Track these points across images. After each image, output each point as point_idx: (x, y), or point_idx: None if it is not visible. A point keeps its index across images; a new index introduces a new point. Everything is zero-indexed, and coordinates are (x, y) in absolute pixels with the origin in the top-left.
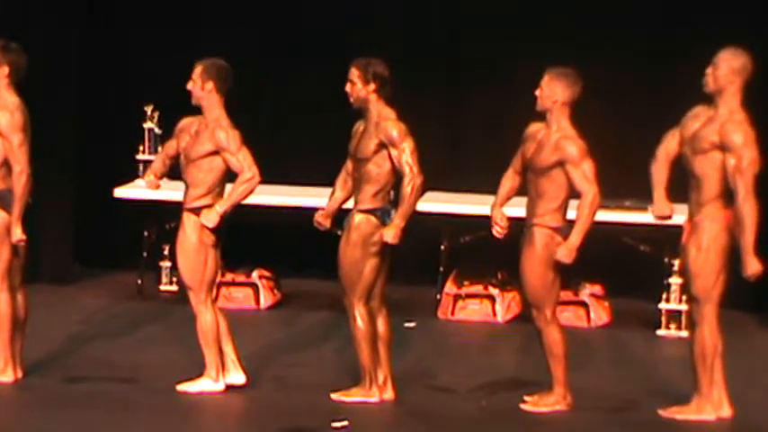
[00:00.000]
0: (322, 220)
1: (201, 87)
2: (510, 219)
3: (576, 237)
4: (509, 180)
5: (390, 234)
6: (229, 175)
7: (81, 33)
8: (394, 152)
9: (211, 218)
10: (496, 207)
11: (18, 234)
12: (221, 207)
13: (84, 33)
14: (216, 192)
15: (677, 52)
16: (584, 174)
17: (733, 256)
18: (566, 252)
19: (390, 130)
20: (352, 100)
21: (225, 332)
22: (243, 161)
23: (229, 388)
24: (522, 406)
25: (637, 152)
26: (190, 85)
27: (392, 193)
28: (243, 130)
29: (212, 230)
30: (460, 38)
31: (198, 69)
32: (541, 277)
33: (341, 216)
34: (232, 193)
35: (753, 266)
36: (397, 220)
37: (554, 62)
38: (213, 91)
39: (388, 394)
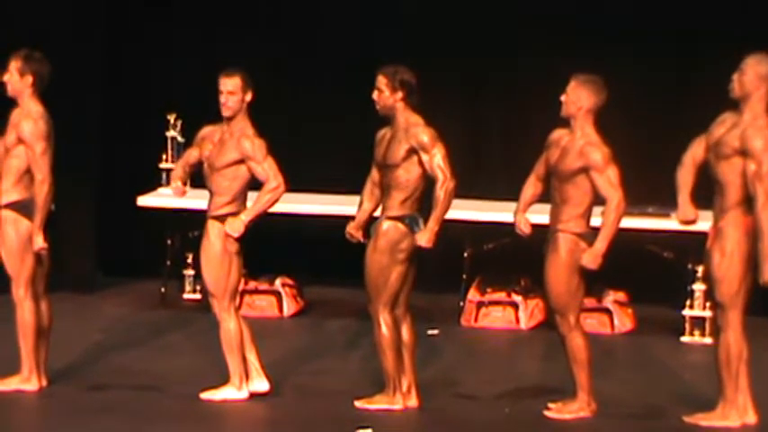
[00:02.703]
0: (354, 232)
1: (243, 99)
2: (533, 225)
3: (601, 243)
4: (531, 186)
5: (425, 238)
6: (253, 183)
7: (103, 42)
8: (425, 157)
9: (236, 227)
10: (519, 213)
11: (40, 242)
12: (247, 216)
13: (107, 42)
14: (240, 200)
15: (702, 58)
16: (608, 180)
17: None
18: (591, 258)
19: (421, 136)
20: (378, 108)
21: (248, 340)
22: (268, 170)
23: (253, 396)
24: (546, 413)
25: (660, 159)
26: (227, 99)
27: (421, 200)
28: (265, 137)
29: (236, 238)
30: (482, 45)
31: (237, 81)
32: (566, 283)
33: (370, 225)
34: (257, 202)
35: None
36: (432, 223)
37: (576, 69)
38: (245, 100)
39: (412, 401)
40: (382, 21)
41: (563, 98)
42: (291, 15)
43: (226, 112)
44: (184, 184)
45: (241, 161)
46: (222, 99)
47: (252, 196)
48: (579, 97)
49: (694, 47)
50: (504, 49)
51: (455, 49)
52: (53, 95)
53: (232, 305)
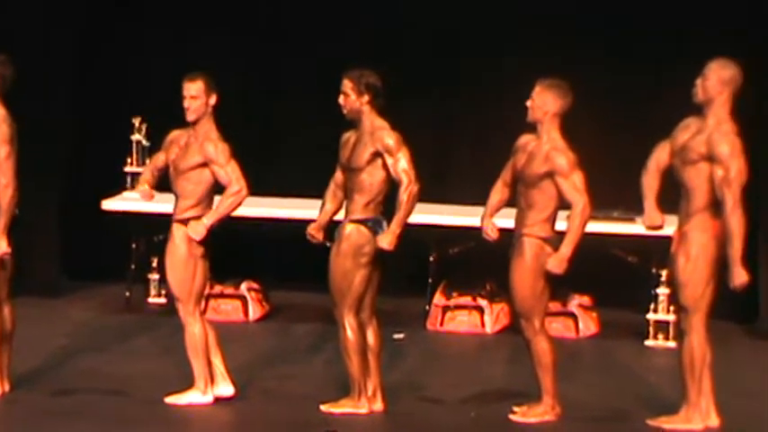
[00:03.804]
0: (315, 233)
1: (206, 102)
2: (499, 230)
3: (566, 247)
4: (498, 192)
5: (386, 240)
6: (219, 187)
7: (69, 45)
8: (390, 161)
9: (198, 230)
10: (487, 217)
11: (3, 247)
12: (209, 220)
13: (73, 45)
14: (205, 203)
15: (665, 63)
16: (573, 185)
17: (720, 267)
18: (556, 263)
19: (386, 139)
20: (345, 111)
21: (213, 344)
22: (231, 174)
23: (218, 400)
24: (511, 416)
25: (625, 164)
26: (189, 103)
27: (384, 204)
28: (232, 141)
29: (201, 242)
30: (449, 50)
31: (200, 85)
32: (531, 287)
33: (332, 228)
34: (219, 205)
35: (740, 277)
36: (393, 226)
37: (542, 73)
38: (208, 104)
39: (378, 405)
40: (350, 22)
41: (528, 103)
42: (262, 18)
43: (189, 117)
44: (152, 187)
45: (205, 164)
46: (186, 104)
47: (218, 200)
48: (545, 102)
49: (658, 51)
50: (472, 51)
51: (422, 52)
52: (17, 98)
53: (197, 309)
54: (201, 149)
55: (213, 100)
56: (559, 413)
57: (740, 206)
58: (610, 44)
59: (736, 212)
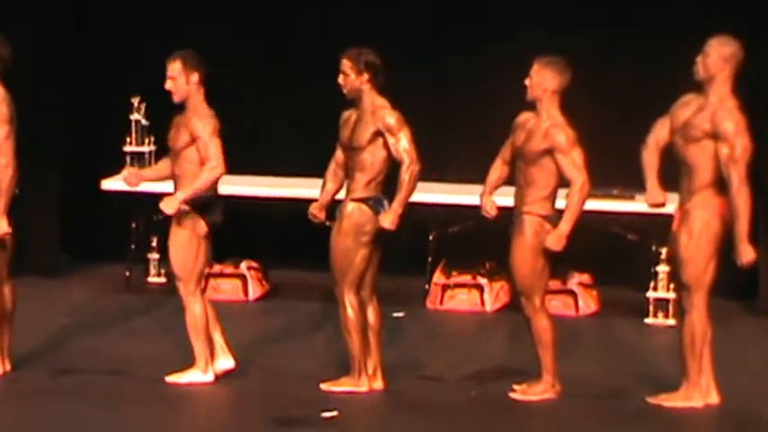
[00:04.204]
0: (317, 213)
1: (187, 81)
2: (498, 208)
3: (565, 224)
4: (497, 169)
5: (388, 220)
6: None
7: (67, 25)
8: (391, 140)
9: (171, 205)
10: (486, 195)
11: (3, 227)
12: (182, 195)
13: (71, 26)
14: None
15: (664, 41)
16: (573, 162)
17: (722, 245)
18: (555, 240)
19: (387, 119)
20: (345, 91)
21: (213, 320)
22: (210, 150)
23: (219, 377)
24: (511, 395)
25: (625, 141)
26: (170, 85)
27: (385, 183)
28: (229, 120)
29: (207, 222)
30: (446, 26)
31: (177, 65)
32: (531, 265)
33: (333, 207)
34: (195, 181)
35: (747, 254)
36: (395, 205)
37: (541, 51)
38: (197, 82)
39: (378, 384)
40: (347, 5)
41: (527, 82)
42: None
43: (174, 98)
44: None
45: (193, 141)
46: (167, 85)
47: (229, 179)
48: (544, 79)
49: (657, 28)
50: (470, 30)
51: (421, 31)
52: (16, 78)
53: (198, 288)
54: (188, 126)
55: (195, 78)
56: (559, 391)
57: (746, 184)
58: (610, 19)
59: (743, 190)
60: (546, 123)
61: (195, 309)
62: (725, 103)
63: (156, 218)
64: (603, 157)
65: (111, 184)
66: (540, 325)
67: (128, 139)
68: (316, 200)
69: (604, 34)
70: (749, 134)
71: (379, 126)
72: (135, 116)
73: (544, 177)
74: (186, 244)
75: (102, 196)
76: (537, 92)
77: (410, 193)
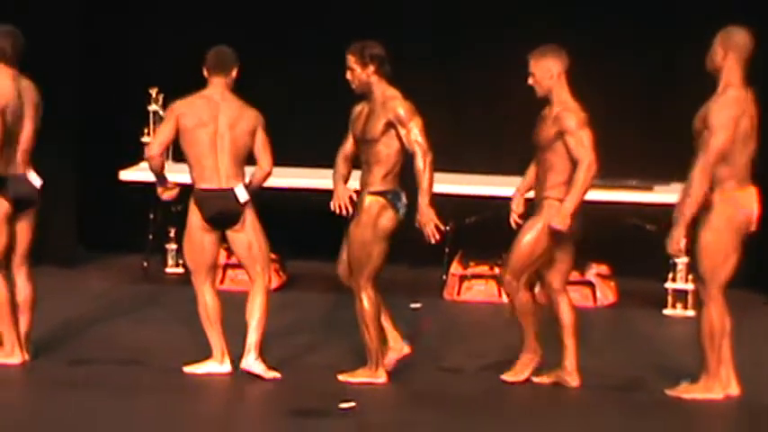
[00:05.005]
0: (347, 202)
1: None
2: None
3: (570, 203)
4: (532, 171)
5: (425, 219)
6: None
7: (83, 15)
8: (402, 131)
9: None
10: (518, 194)
11: None
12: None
13: (87, 15)
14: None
15: (675, 37)
16: (580, 141)
17: (742, 237)
18: (560, 219)
19: (398, 109)
20: (354, 86)
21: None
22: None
23: (236, 370)
24: (534, 378)
25: (642, 133)
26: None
27: (400, 174)
28: None
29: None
30: (460, 18)
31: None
32: (533, 245)
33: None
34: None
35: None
36: (422, 200)
37: (559, 40)
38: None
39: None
40: None
41: (530, 81)
42: None
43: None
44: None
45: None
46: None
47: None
48: (547, 68)
49: (681, 22)
50: (484, 19)
51: (433, 24)
52: (31, 69)
53: (208, 280)
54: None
55: (234, 73)
56: (578, 381)
57: (706, 172)
58: (630, 15)
59: (698, 176)
60: (557, 108)
61: (205, 300)
62: (727, 90)
63: (173, 209)
64: (621, 149)
65: (129, 174)
66: (522, 302)
67: (145, 130)
68: (332, 191)
69: (617, 29)
70: (735, 126)
71: (391, 117)
72: (153, 107)
73: (561, 162)
74: (193, 235)
75: (119, 187)
76: (544, 83)
77: (431, 181)
